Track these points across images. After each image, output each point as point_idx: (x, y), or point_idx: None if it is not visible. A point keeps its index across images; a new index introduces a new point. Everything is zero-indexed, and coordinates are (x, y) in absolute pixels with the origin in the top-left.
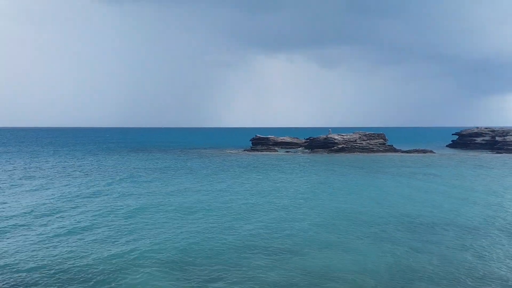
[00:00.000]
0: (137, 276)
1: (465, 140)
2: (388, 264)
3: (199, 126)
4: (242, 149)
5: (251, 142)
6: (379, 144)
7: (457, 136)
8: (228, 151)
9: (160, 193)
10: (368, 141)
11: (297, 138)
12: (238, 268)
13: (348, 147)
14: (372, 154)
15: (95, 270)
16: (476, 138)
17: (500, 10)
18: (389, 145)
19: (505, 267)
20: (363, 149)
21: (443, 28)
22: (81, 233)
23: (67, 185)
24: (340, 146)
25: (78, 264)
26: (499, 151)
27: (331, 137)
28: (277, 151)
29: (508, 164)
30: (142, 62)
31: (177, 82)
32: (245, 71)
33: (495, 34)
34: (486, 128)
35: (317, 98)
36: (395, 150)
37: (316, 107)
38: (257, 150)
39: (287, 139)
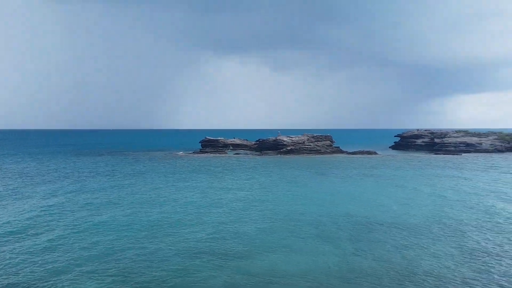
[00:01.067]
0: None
1: (406, 141)
2: (331, 265)
3: (150, 128)
4: (192, 151)
5: (200, 144)
6: (326, 145)
7: (399, 138)
8: (177, 153)
9: (104, 199)
10: (316, 143)
11: (246, 140)
12: (182, 273)
13: (297, 149)
14: (319, 156)
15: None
16: (416, 140)
17: (440, 19)
18: (336, 147)
19: (444, 265)
20: (311, 151)
21: (389, 35)
22: None
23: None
24: (289, 148)
25: None
26: (438, 152)
27: (280, 139)
28: (227, 153)
29: (446, 164)
30: (86, 62)
31: (125, 83)
32: (197, 72)
33: (436, 42)
34: (426, 130)
35: (269, 101)
36: (342, 152)
37: (267, 110)
38: (207, 152)
39: (237, 141)
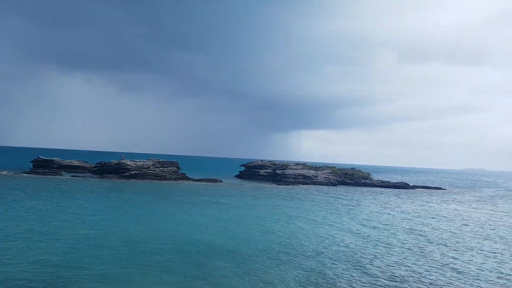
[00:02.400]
0: None
1: (251, 171)
2: None
3: None
4: (21, 172)
5: (31, 164)
6: (172, 172)
7: (244, 168)
8: (2, 173)
9: None
10: (161, 168)
11: (86, 162)
12: None
13: (141, 174)
14: (164, 182)
15: None
16: (260, 170)
17: (288, 58)
18: (181, 173)
19: None
20: (156, 176)
21: (239, 68)
22: None
23: None
24: (132, 172)
25: None
26: (279, 183)
27: (123, 163)
28: (62, 175)
29: (284, 194)
30: None
31: None
32: (35, 86)
33: (284, 79)
34: (269, 162)
35: (114, 122)
36: (187, 178)
37: (112, 131)
38: (38, 173)
39: (74, 162)
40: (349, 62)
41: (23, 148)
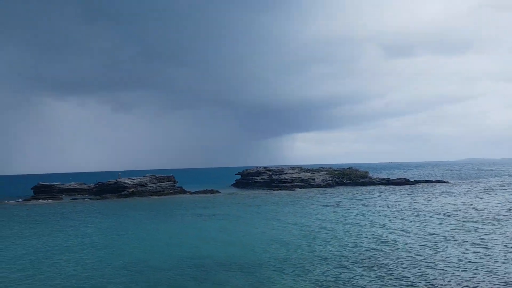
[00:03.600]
0: None
1: (247, 179)
2: None
3: None
4: (22, 199)
5: (32, 190)
6: (169, 186)
7: (240, 176)
8: (4, 202)
9: None
10: (158, 183)
11: (84, 183)
12: None
13: (139, 191)
14: (162, 197)
15: None
16: (256, 177)
17: (274, 61)
18: (178, 187)
19: None
20: (154, 192)
21: (226, 76)
22: None
23: None
24: (130, 190)
25: None
26: (276, 188)
27: (121, 181)
28: (62, 199)
29: (285, 200)
30: None
31: None
32: (32, 113)
33: (274, 83)
34: (264, 168)
35: (109, 142)
36: (185, 192)
37: (108, 151)
38: (39, 199)
39: (74, 185)
40: (335, 61)
41: (23, 175)
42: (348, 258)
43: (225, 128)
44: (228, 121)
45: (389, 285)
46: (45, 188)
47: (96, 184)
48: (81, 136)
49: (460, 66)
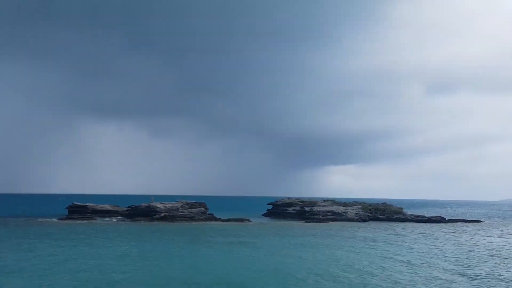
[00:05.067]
0: None
1: (278, 209)
2: None
3: (25, 192)
4: (57, 218)
5: (67, 210)
6: (201, 212)
7: (271, 206)
8: (39, 220)
9: None
10: (189, 209)
11: (117, 206)
12: None
13: (170, 216)
14: (193, 223)
15: None
16: (288, 208)
17: (312, 94)
18: (209, 214)
19: None
20: (185, 218)
21: (267, 107)
22: None
23: None
24: (162, 214)
25: None
26: (307, 220)
27: (153, 205)
28: (96, 219)
29: (315, 232)
30: None
31: None
32: (71, 136)
33: (310, 115)
34: (296, 199)
35: (144, 166)
36: (215, 219)
37: (142, 175)
38: (73, 219)
39: (107, 207)
40: (376, 95)
41: (61, 194)
42: None
43: (260, 158)
44: (264, 151)
45: None
46: (79, 208)
47: (129, 207)
48: (117, 160)
49: (503, 105)
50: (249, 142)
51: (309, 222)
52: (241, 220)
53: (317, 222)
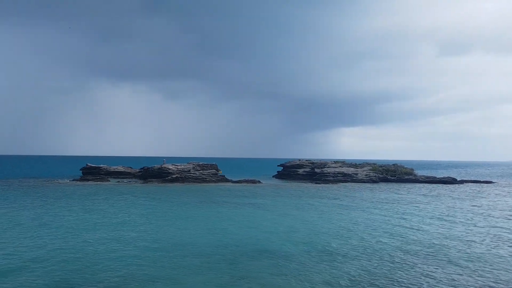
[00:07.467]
0: None
1: (289, 171)
2: None
3: (40, 154)
4: (72, 179)
5: (81, 171)
6: (212, 174)
7: (282, 168)
8: (56, 181)
9: None
10: (201, 171)
11: (130, 167)
12: None
13: (182, 177)
14: (205, 184)
15: None
16: (298, 170)
17: (333, 56)
18: (221, 175)
19: None
20: (196, 179)
21: (278, 69)
22: None
23: None
24: (174, 176)
25: None
26: (318, 181)
27: (165, 167)
28: (109, 181)
29: (324, 193)
30: None
31: (11, 107)
32: (86, 98)
33: (322, 76)
34: (307, 161)
35: (157, 128)
36: (227, 180)
37: (155, 137)
38: (87, 180)
39: (120, 168)
40: (388, 57)
41: (75, 156)
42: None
43: (272, 120)
44: (276, 113)
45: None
46: (93, 170)
47: (141, 169)
48: (131, 122)
49: None
50: (261, 105)
51: (319, 183)
52: (252, 181)
53: (327, 183)
